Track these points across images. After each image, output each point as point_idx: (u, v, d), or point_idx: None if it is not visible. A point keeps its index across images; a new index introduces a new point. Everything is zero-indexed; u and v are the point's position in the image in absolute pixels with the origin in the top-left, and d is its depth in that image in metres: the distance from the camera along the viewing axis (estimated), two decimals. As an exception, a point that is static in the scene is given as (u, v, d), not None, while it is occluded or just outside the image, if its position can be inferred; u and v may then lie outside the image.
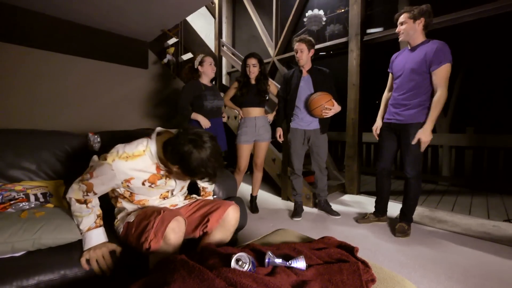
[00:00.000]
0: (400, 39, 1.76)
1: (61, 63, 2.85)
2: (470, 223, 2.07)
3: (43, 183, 1.24)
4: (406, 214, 1.88)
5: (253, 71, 2.22)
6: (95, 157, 1.14)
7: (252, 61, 2.22)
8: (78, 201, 1.00)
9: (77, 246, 0.97)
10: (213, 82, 2.31)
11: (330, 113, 2.04)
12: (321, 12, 3.55)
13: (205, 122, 2.07)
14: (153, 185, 1.08)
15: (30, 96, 2.67)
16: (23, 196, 1.12)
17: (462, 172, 3.52)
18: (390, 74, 1.95)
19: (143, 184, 1.05)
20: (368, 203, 2.60)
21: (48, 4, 2.40)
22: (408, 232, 1.84)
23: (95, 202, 1.04)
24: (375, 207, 2.08)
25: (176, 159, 0.95)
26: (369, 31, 2.87)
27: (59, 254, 0.93)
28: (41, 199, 1.15)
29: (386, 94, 2.01)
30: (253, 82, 2.28)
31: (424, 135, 1.65)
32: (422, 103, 1.70)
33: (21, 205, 1.03)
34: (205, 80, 2.16)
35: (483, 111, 3.83)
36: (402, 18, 1.71)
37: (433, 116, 1.64)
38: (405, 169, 1.80)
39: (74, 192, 1.00)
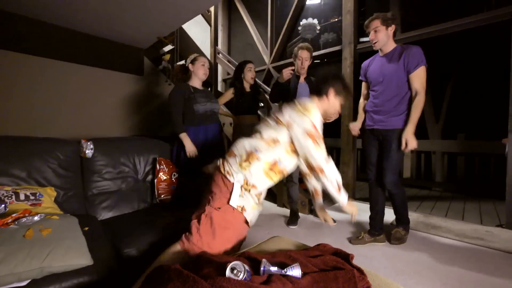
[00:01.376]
0: (375, 48, 1.76)
1: (56, 69, 2.83)
2: (463, 229, 2.09)
3: (33, 188, 1.21)
4: (400, 219, 1.88)
5: (253, 75, 2.24)
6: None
7: (252, 66, 2.23)
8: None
9: (87, 271, 0.88)
10: (209, 88, 2.29)
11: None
12: (315, 21, 3.62)
13: (190, 149, 1.80)
14: None
15: (24, 102, 2.63)
16: (13, 194, 1.10)
17: (454, 178, 3.57)
18: (364, 83, 1.94)
19: None
20: (363, 209, 2.60)
21: (43, 11, 2.40)
22: (405, 238, 1.83)
23: None
24: (370, 223, 1.89)
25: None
26: (362, 39, 2.94)
27: (66, 281, 0.84)
28: (31, 197, 1.13)
29: (362, 102, 1.97)
30: (248, 89, 2.29)
31: (409, 138, 1.62)
32: (403, 110, 1.70)
33: (24, 220, 0.93)
34: (196, 82, 1.94)
35: (474, 117, 3.92)
36: (375, 24, 1.69)
37: (413, 119, 1.63)
38: (384, 176, 1.73)
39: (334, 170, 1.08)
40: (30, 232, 0.87)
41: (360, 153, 4.31)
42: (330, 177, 1.06)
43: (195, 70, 1.91)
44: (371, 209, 1.91)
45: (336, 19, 3.48)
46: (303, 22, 3.67)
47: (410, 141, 1.62)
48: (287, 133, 1.06)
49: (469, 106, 4.02)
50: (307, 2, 3.74)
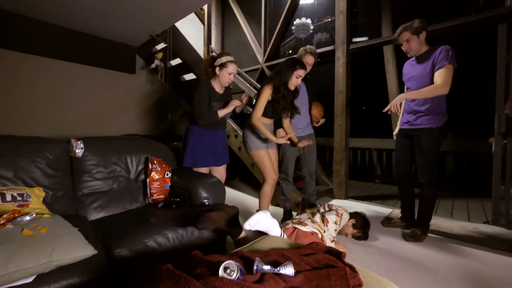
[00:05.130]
0: (410, 56, 1.83)
1: (45, 67, 2.76)
2: (452, 226, 2.14)
3: (20, 189, 1.18)
4: (420, 220, 1.89)
5: (298, 84, 1.83)
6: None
7: (303, 74, 1.80)
8: None
9: (94, 259, 0.93)
10: (230, 87, 2.04)
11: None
12: (309, 21, 3.64)
13: (235, 103, 1.81)
14: None
15: (11, 100, 2.56)
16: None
17: (443, 177, 3.66)
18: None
19: None
20: (356, 208, 2.64)
21: (31, 7, 2.33)
22: (422, 238, 1.84)
23: None
24: (401, 212, 2.09)
25: None
26: (354, 39, 2.97)
27: (72, 271, 0.88)
28: (18, 198, 1.10)
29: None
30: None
31: (398, 97, 1.65)
32: (433, 109, 1.72)
33: (18, 219, 0.93)
34: (217, 85, 1.89)
35: (462, 117, 4.02)
36: (405, 36, 1.73)
37: (420, 92, 1.65)
38: (418, 174, 1.83)
39: None
40: (28, 231, 0.88)
41: (353, 152, 4.37)
42: None
43: (220, 75, 1.83)
44: (401, 200, 2.08)
45: (329, 19, 3.51)
46: (297, 21, 3.69)
47: (396, 98, 1.63)
48: None
49: (458, 106, 4.13)
50: (301, 2, 3.75)
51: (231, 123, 3.15)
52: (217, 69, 1.82)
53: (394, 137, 2.10)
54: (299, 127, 2.17)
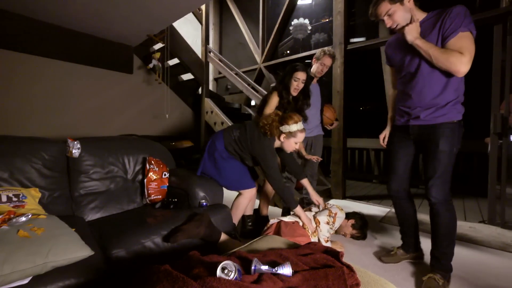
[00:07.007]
0: (398, 32, 1.28)
1: (41, 66, 2.74)
2: (448, 225, 2.16)
3: (16, 189, 1.17)
4: (438, 259, 1.35)
5: (299, 88, 1.82)
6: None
7: (303, 77, 1.80)
8: None
9: (87, 262, 0.92)
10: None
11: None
12: (307, 21, 3.65)
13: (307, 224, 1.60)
14: None
15: (6, 100, 2.54)
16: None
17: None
18: (391, 69, 1.52)
19: None
20: (354, 208, 2.65)
21: (26, 5, 2.31)
22: (445, 286, 1.30)
23: None
24: (402, 239, 1.59)
25: None
26: (352, 40, 2.98)
27: (68, 272, 0.86)
28: (14, 199, 1.09)
29: (392, 93, 1.57)
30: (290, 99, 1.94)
31: (411, 30, 1.19)
32: (451, 97, 1.24)
33: (13, 220, 0.92)
34: (275, 145, 1.66)
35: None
36: (384, 8, 1.22)
37: (436, 50, 1.15)
38: (429, 190, 1.30)
39: None
40: (24, 232, 0.87)
41: (350, 152, 4.39)
42: None
43: (285, 143, 1.60)
44: (401, 224, 1.57)
45: (327, 20, 3.52)
46: (295, 22, 3.70)
47: (407, 29, 1.19)
48: None
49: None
50: (299, 2, 3.76)
51: (221, 114, 3.17)
52: (282, 136, 1.58)
53: (381, 141, 1.60)
54: (308, 127, 2.17)
